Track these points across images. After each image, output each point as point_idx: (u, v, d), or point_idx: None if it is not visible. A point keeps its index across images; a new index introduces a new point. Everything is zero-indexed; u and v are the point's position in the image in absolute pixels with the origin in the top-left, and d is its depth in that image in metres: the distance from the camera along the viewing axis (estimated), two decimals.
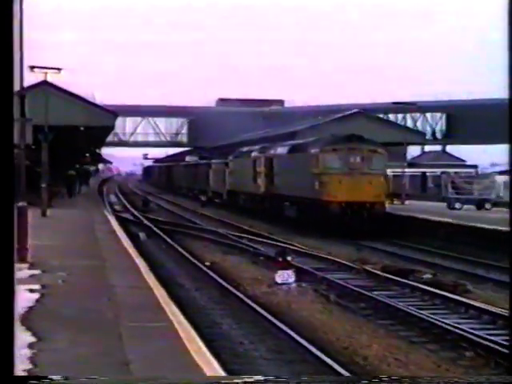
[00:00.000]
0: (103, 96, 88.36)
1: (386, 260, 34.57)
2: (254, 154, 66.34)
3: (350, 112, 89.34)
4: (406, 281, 29.08)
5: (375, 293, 26.86)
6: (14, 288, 4.59)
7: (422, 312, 23.38)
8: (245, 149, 73.43)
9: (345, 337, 20.59)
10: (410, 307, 24.13)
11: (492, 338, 19.84)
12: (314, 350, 18.10)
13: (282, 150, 58.25)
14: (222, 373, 12.83)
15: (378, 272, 31.27)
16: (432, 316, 22.68)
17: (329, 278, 30.18)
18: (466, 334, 20.24)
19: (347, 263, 33.98)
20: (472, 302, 24.74)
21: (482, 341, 19.42)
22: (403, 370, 17.27)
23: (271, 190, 58.47)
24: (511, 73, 5.03)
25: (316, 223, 46.54)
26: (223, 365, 13.72)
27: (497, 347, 18.68)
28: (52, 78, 53.47)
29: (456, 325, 21.47)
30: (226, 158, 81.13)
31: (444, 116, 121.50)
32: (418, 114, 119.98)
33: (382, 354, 18.84)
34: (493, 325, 22.02)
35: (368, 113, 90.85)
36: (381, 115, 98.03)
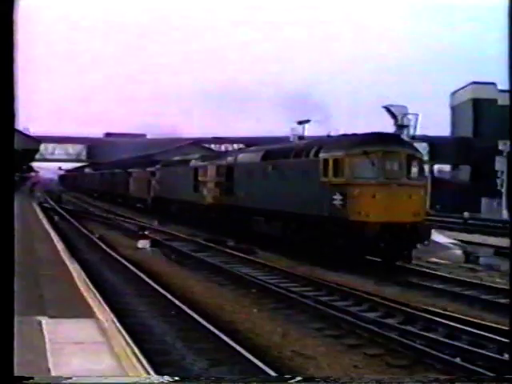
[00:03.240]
0: (35, 128, 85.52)
1: (207, 235, 34.63)
2: (194, 163, 42.47)
3: (188, 142, 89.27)
4: (218, 246, 29.38)
5: (199, 254, 27.04)
6: (14, 288, 3.64)
7: (227, 265, 23.72)
8: (176, 158, 52.08)
9: (180, 281, 20.75)
10: (219, 262, 24.44)
11: (269, 280, 20.38)
12: (160, 289, 18.15)
13: (249, 156, 33.23)
14: (100, 299, 12.84)
15: (202, 241, 31.48)
16: (233, 267, 23.07)
17: (171, 245, 30.27)
18: (253, 278, 20.68)
19: (183, 236, 34.08)
20: (258, 260, 25.22)
21: (262, 282, 19.88)
22: (210, 298, 17.50)
23: (224, 201, 35.22)
24: (511, 71, 3.93)
25: (332, 249, 23.40)
26: (104, 298, 13.68)
27: (270, 286, 19.13)
28: None
29: (248, 272, 21.93)
30: (131, 168, 67.89)
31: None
32: (229, 145, 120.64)
33: (202, 291, 19.09)
34: (270, 273, 22.40)
35: (199, 143, 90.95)
36: (207, 145, 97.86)
